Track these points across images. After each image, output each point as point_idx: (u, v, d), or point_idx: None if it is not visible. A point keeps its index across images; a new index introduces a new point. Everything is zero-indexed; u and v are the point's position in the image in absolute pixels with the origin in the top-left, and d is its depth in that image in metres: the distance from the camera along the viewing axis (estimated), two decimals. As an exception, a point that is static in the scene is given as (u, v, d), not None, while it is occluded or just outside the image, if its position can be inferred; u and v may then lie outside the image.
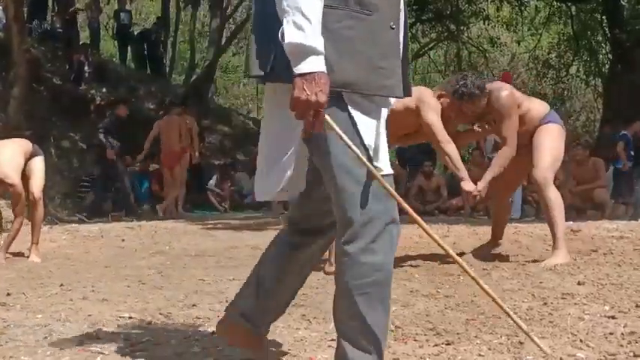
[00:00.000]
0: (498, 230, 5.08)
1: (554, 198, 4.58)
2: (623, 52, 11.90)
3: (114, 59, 17.17)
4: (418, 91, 4.42)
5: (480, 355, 2.30)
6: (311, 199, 2.19)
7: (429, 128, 4.42)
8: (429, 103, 4.43)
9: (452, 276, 4.06)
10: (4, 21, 12.13)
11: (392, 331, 2.66)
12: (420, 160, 10.60)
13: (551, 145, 4.66)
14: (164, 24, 18.44)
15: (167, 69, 19.87)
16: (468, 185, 4.47)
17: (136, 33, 17.09)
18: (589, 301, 3.16)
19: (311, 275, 4.06)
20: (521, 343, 2.41)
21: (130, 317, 3.03)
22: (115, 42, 17.11)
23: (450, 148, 4.42)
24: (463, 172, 4.50)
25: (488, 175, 4.56)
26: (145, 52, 16.94)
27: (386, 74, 1.95)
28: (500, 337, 2.54)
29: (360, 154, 1.88)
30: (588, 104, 23.27)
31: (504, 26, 19.63)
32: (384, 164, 1.99)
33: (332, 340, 2.52)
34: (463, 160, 5.27)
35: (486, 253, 4.92)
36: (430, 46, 20.88)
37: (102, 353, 2.41)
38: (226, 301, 3.35)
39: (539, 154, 4.63)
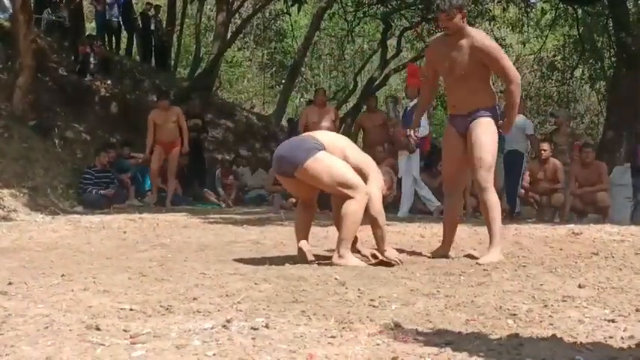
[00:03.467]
0: (449, 233, 5.10)
1: (495, 200, 4.81)
2: (628, 55, 11.88)
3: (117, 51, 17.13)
4: None
5: (479, 355, 2.31)
6: None
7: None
8: None
9: (452, 275, 4.06)
10: (11, 11, 12.14)
11: (391, 329, 2.67)
12: None
13: (491, 141, 4.80)
14: (168, 14, 18.47)
15: (172, 62, 19.88)
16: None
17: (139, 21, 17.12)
18: (589, 305, 3.16)
19: (311, 271, 4.10)
20: (521, 344, 2.42)
21: (131, 309, 3.04)
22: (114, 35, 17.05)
23: None
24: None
25: (513, 114, 4.91)
26: (152, 45, 17.00)
27: None
28: (500, 337, 2.54)
29: None
30: (592, 107, 23.27)
31: (510, 27, 19.63)
32: None
33: (332, 336, 2.53)
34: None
35: (442, 255, 4.99)
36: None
37: (102, 344, 2.42)
38: (226, 296, 3.38)
39: (480, 154, 4.75)
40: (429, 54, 5.11)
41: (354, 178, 4.53)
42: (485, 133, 4.77)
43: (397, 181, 8.88)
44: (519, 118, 9.92)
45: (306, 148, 4.50)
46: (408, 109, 9.06)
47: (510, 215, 9.35)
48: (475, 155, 4.76)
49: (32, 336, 2.54)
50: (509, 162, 9.82)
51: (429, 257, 5.00)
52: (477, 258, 4.77)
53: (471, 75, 4.75)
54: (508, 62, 4.80)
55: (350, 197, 4.50)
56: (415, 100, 8.72)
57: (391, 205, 8.80)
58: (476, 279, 3.93)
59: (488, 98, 4.85)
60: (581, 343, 2.47)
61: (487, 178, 4.76)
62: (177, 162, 10.59)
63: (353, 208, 4.51)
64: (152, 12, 17.11)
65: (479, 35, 4.85)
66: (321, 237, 5.86)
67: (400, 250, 5.03)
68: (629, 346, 2.43)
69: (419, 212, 9.10)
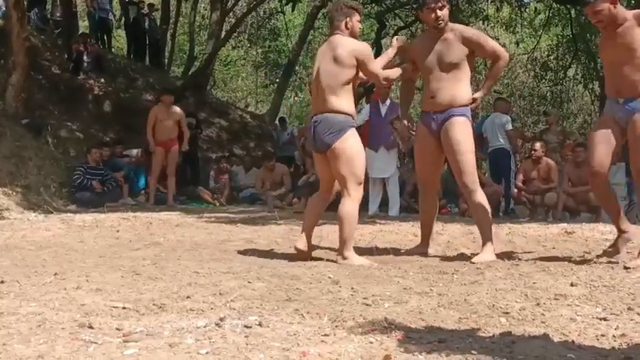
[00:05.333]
0: (426, 231, 5.13)
1: (484, 201, 4.83)
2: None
3: (112, 50, 17.09)
4: None
5: (472, 353, 2.31)
6: None
7: None
8: None
9: (446, 274, 4.07)
10: (4, 8, 12.10)
11: (385, 327, 2.67)
12: None
13: (470, 142, 4.85)
14: (162, 13, 18.43)
15: (166, 61, 19.84)
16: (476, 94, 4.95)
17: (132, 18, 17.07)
18: (581, 303, 3.17)
19: (304, 270, 4.11)
20: (513, 342, 2.42)
21: (124, 307, 3.03)
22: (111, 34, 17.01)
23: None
24: None
25: (489, 83, 5.15)
26: (147, 43, 16.95)
27: None
28: (493, 335, 2.55)
29: None
30: (585, 107, 23.33)
31: (504, 27, 19.66)
32: None
33: (325, 334, 2.53)
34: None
35: (420, 253, 5.01)
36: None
37: (95, 343, 2.41)
38: (220, 294, 3.37)
39: (461, 157, 4.78)
40: (413, 50, 5.13)
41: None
42: (462, 134, 4.80)
43: (381, 182, 9.00)
44: (502, 116, 9.98)
45: None
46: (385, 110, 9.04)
47: (505, 213, 9.39)
48: (457, 159, 4.79)
49: (25, 334, 2.53)
50: (495, 160, 9.88)
51: (404, 254, 5.05)
52: (470, 257, 4.78)
53: (457, 67, 4.78)
54: (495, 43, 5.04)
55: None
56: (388, 102, 8.85)
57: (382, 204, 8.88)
58: (469, 277, 3.94)
59: (465, 96, 4.88)
60: (573, 341, 2.48)
61: (473, 180, 4.79)
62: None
63: (347, 209, 4.57)
64: (145, 10, 17.03)
65: (462, 27, 5.00)
66: (316, 236, 5.86)
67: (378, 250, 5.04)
68: (620, 344, 2.44)
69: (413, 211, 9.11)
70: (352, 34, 4.76)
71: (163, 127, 10.25)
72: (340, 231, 4.62)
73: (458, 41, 4.79)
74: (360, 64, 4.65)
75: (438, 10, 4.77)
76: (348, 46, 4.65)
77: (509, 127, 10.00)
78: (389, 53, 4.98)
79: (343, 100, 4.64)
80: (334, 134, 4.60)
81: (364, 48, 4.73)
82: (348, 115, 4.67)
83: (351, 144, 4.63)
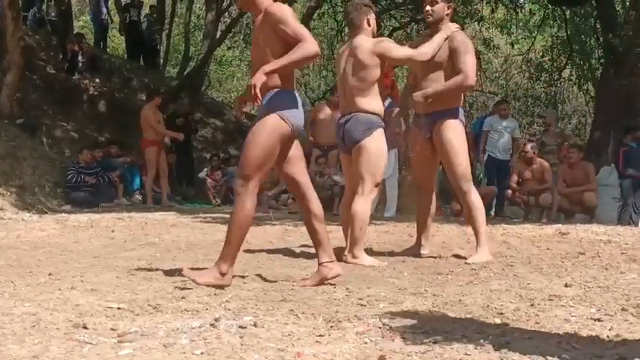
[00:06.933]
0: (422, 231, 5.14)
1: (477, 201, 4.84)
2: (615, 57, 11.93)
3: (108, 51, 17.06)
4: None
5: (466, 354, 2.31)
6: None
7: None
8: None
9: (440, 275, 4.08)
10: (-1, 8, 12.06)
11: (379, 328, 2.68)
12: None
13: (462, 143, 4.83)
14: (157, 13, 18.37)
15: (161, 61, 19.80)
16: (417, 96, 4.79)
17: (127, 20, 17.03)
18: (576, 304, 3.18)
19: (299, 271, 4.11)
20: (507, 342, 2.43)
21: (119, 308, 3.03)
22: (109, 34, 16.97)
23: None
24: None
25: (439, 90, 4.76)
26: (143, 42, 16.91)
27: None
28: (488, 336, 2.55)
29: None
30: (580, 108, 23.35)
31: (499, 28, 19.67)
32: None
33: (320, 335, 2.54)
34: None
35: (413, 254, 5.01)
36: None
37: (89, 343, 2.41)
38: (215, 294, 3.37)
39: (454, 159, 4.77)
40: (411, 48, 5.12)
41: None
42: (455, 136, 4.80)
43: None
44: (512, 121, 10.01)
45: None
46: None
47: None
48: (450, 161, 4.79)
49: (19, 335, 2.53)
50: (495, 169, 9.89)
51: (400, 255, 5.05)
52: (464, 258, 4.79)
53: (441, 68, 4.77)
54: (472, 64, 4.78)
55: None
56: (389, 100, 8.82)
57: (379, 205, 8.86)
58: (464, 278, 3.95)
59: (455, 98, 4.87)
60: (567, 341, 2.49)
61: (466, 181, 4.79)
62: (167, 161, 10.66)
63: (360, 208, 4.62)
64: (147, 11, 16.98)
65: (457, 31, 4.89)
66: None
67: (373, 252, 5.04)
68: (614, 345, 2.45)
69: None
70: (373, 31, 4.84)
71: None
72: (351, 230, 4.65)
73: (445, 41, 4.78)
74: (384, 59, 4.69)
75: (428, 5, 4.79)
76: (367, 47, 4.69)
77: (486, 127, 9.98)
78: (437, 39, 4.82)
79: (372, 100, 4.71)
80: (364, 131, 4.67)
81: (380, 43, 4.75)
82: (377, 114, 4.73)
83: (377, 144, 4.69)
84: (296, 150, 3.76)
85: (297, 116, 3.66)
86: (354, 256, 4.60)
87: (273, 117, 3.61)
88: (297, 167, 3.78)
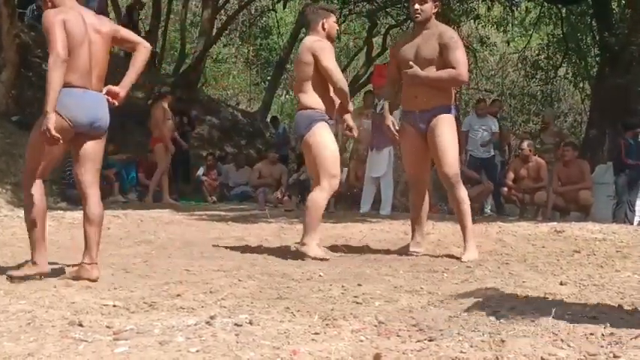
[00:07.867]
0: (417, 228, 5.14)
1: (465, 195, 4.88)
2: (611, 55, 11.96)
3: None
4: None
5: (461, 351, 2.32)
6: None
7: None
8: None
9: (436, 273, 4.09)
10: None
11: (375, 326, 2.68)
12: None
13: (454, 138, 4.86)
14: (153, 10, 18.33)
15: (157, 58, 19.76)
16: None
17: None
18: (571, 302, 3.19)
19: (295, 269, 4.11)
20: (502, 341, 2.43)
21: (114, 305, 3.03)
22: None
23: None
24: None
25: (434, 74, 4.76)
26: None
27: None
28: (483, 334, 2.56)
29: None
30: (576, 106, 23.40)
31: (494, 26, 19.70)
32: None
33: (315, 333, 2.54)
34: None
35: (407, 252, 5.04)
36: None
37: (85, 340, 2.41)
38: (210, 292, 3.37)
39: (444, 152, 4.80)
40: (394, 49, 5.15)
41: None
42: (447, 131, 4.82)
43: (376, 180, 8.97)
44: (487, 118, 10.00)
45: None
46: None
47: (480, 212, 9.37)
48: (440, 154, 4.80)
49: (14, 332, 2.53)
50: (484, 166, 9.88)
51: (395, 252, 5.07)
52: (458, 257, 4.79)
53: (432, 64, 4.77)
54: (463, 60, 4.80)
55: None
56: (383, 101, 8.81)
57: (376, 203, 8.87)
58: (459, 276, 3.96)
59: (447, 95, 4.88)
60: (562, 339, 2.49)
61: (454, 175, 4.81)
62: None
63: (315, 197, 4.81)
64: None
65: (445, 28, 4.92)
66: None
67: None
68: (609, 343, 2.46)
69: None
70: (329, 35, 4.97)
71: (168, 125, 10.35)
72: (304, 218, 4.84)
73: (434, 38, 4.78)
74: (315, 60, 4.81)
75: (417, 4, 4.79)
76: (306, 44, 4.88)
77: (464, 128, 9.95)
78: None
79: (310, 97, 4.87)
80: (305, 127, 4.86)
81: (319, 44, 4.86)
82: (316, 109, 4.86)
83: (317, 138, 4.83)
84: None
85: None
86: (302, 244, 4.74)
87: None
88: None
